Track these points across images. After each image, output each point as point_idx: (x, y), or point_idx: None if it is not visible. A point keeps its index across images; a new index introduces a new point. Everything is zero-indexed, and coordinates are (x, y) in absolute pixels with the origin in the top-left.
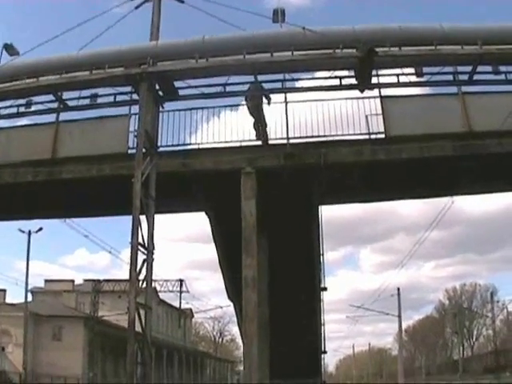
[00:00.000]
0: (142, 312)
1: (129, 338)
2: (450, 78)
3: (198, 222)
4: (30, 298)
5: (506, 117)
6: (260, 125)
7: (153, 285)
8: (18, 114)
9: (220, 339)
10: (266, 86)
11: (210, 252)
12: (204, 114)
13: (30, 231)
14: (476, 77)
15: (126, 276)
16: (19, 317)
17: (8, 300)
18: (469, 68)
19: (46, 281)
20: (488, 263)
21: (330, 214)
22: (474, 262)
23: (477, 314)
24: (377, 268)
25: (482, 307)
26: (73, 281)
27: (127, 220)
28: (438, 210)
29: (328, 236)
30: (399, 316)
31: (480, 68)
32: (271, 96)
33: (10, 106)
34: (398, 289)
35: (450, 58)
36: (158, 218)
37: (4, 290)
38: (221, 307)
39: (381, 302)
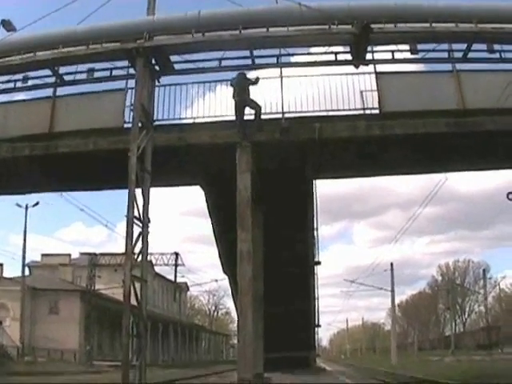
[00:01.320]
0: (137, 285)
1: (124, 310)
2: (445, 55)
3: (191, 196)
4: (26, 272)
5: (499, 95)
6: (254, 110)
7: (148, 258)
8: (15, 89)
9: (215, 313)
10: (261, 60)
11: (204, 226)
12: (200, 89)
13: (27, 205)
14: (471, 55)
15: (122, 249)
16: (16, 291)
17: (5, 274)
18: (463, 46)
19: (43, 255)
20: (481, 240)
21: (325, 189)
22: (467, 239)
23: (469, 291)
24: (371, 243)
25: (475, 284)
26: (69, 255)
27: (123, 193)
28: (432, 187)
29: (323, 211)
30: (392, 291)
31: (475, 46)
32: (266, 71)
33: (7, 81)
34: (391, 264)
35: (444, 36)
36: (152, 191)
37: (1, 265)
38: (216, 281)
39: (375, 277)
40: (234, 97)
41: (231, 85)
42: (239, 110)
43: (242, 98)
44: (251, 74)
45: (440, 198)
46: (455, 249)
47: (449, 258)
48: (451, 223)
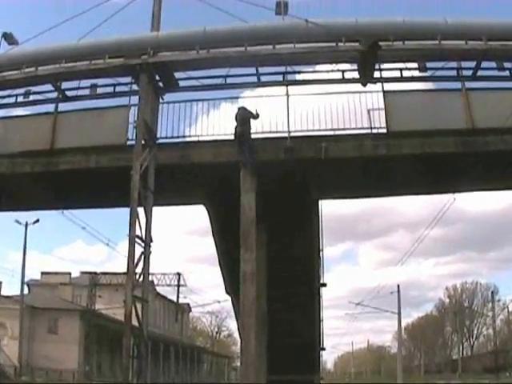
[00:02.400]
0: (138, 306)
1: (125, 331)
2: (454, 73)
3: (196, 215)
4: (26, 291)
5: (509, 114)
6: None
7: (150, 278)
8: (16, 104)
9: (217, 334)
10: (267, 78)
11: (208, 245)
12: (204, 106)
13: (26, 223)
14: (480, 73)
15: (123, 269)
16: (15, 309)
17: (3, 292)
18: (473, 64)
19: (43, 273)
20: (488, 262)
21: (329, 209)
22: (474, 261)
23: (477, 313)
24: (376, 264)
25: (483, 306)
26: (69, 273)
27: (125, 212)
28: (438, 208)
29: (327, 231)
30: (399, 313)
31: (485, 64)
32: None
33: (8, 96)
34: (398, 286)
35: (453, 53)
36: (155, 210)
37: (0, 282)
38: (219, 302)
39: (380, 299)
40: (235, 129)
41: (235, 119)
42: (239, 142)
43: (243, 131)
44: (256, 92)
45: (447, 218)
46: (462, 271)
47: (456, 279)
48: (458, 244)
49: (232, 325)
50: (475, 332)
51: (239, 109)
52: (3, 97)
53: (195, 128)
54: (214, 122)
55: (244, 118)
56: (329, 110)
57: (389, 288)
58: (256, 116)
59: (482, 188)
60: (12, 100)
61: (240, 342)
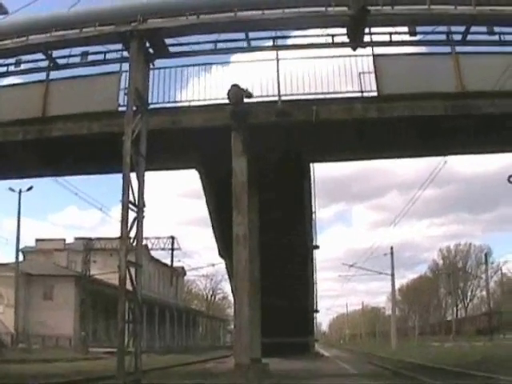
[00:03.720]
0: (132, 270)
1: (119, 296)
2: (444, 37)
3: (188, 177)
4: (20, 258)
5: (499, 77)
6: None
7: (144, 242)
8: (7, 73)
9: (212, 297)
10: (257, 43)
11: (201, 208)
12: (194, 71)
13: (20, 190)
14: (470, 37)
15: (117, 233)
16: (10, 277)
17: None
18: (462, 28)
19: (37, 240)
20: (482, 223)
21: (323, 170)
22: (468, 222)
23: (471, 275)
24: (370, 225)
25: (477, 268)
26: (64, 240)
27: (117, 177)
28: (432, 169)
29: (321, 193)
30: (392, 275)
31: (475, 29)
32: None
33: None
34: (391, 248)
35: (442, 18)
36: (147, 174)
37: None
38: (213, 265)
39: (374, 261)
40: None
41: (228, 97)
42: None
43: (237, 112)
44: (246, 57)
45: (440, 180)
46: (456, 232)
47: (450, 241)
48: (452, 206)
49: (227, 287)
50: (469, 294)
51: (232, 87)
52: None
53: (186, 93)
54: (205, 87)
55: (237, 98)
56: (319, 74)
57: (382, 249)
58: (249, 95)
59: (472, 151)
60: (3, 69)
61: (234, 305)
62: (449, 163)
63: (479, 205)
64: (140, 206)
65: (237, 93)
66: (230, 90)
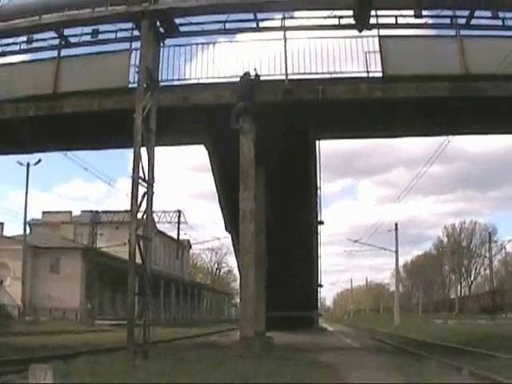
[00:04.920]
0: (141, 244)
1: (129, 269)
2: (448, 21)
3: (195, 151)
4: (27, 231)
5: (502, 60)
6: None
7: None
8: (20, 51)
9: (217, 271)
10: (265, 24)
11: (208, 181)
12: (205, 49)
13: (28, 164)
14: (474, 21)
15: (123, 206)
16: (17, 250)
17: (5, 233)
18: (467, 12)
19: (44, 212)
20: (488, 201)
21: (330, 145)
22: (474, 199)
23: (475, 254)
24: (376, 201)
25: (481, 246)
26: (70, 212)
27: (123, 150)
28: (439, 145)
29: (328, 168)
30: (396, 252)
31: (479, 13)
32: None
33: (12, 44)
34: (396, 224)
35: (447, 2)
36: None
37: (1, 223)
38: (218, 239)
39: (379, 236)
40: (234, 99)
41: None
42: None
43: (244, 106)
44: (255, 36)
45: (447, 156)
46: (462, 209)
47: (456, 218)
48: (458, 182)
49: (232, 261)
50: (473, 272)
51: (242, 77)
52: (8, 44)
53: (195, 70)
54: (213, 64)
55: (246, 91)
56: (325, 54)
57: (388, 225)
58: (258, 80)
59: (476, 132)
60: (15, 47)
61: (239, 279)
62: (456, 141)
63: (486, 182)
64: (150, 182)
65: (246, 86)
66: (241, 78)
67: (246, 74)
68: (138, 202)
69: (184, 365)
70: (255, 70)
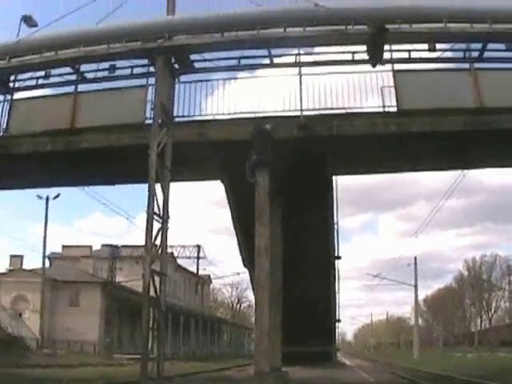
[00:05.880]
0: (157, 279)
1: (143, 303)
2: (462, 54)
3: (215, 186)
4: (47, 264)
5: None
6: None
7: (170, 251)
8: (37, 86)
9: (238, 305)
10: (279, 60)
11: (228, 216)
12: (221, 85)
13: (47, 197)
14: (487, 54)
15: (143, 241)
16: (36, 282)
17: (25, 266)
18: (480, 45)
19: (64, 246)
20: (508, 233)
21: (349, 180)
22: (494, 232)
23: (495, 286)
24: (397, 235)
25: (502, 279)
26: (90, 246)
27: (143, 185)
28: (458, 178)
29: (347, 202)
30: (415, 286)
31: (493, 45)
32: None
33: (30, 78)
34: (415, 258)
35: (459, 36)
36: (177, 182)
37: (21, 256)
38: (238, 273)
39: (400, 270)
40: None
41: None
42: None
43: (259, 159)
44: (268, 72)
45: (467, 190)
46: (482, 242)
47: (475, 251)
48: (478, 216)
49: (252, 296)
50: (493, 305)
51: (255, 128)
52: (24, 79)
53: (211, 106)
54: (229, 100)
55: (260, 143)
56: (340, 90)
57: (408, 259)
58: (272, 131)
59: (492, 165)
60: (33, 82)
61: (255, 314)
62: (475, 174)
63: (505, 214)
64: (164, 218)
65: (261, 132)
66: (254, 130)
67: (259, 124)
68: (153, 238)
69: None
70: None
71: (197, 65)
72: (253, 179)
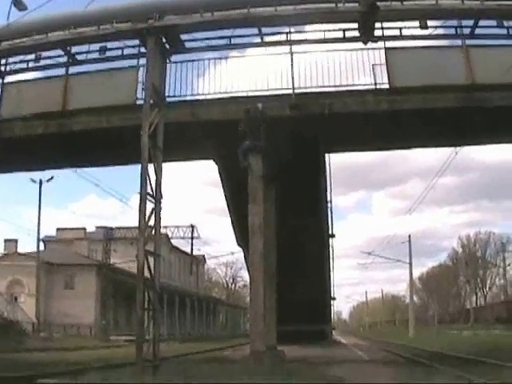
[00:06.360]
0: (151, 259)
1: (137, 285)
2: (453, 31)
3: (209, 166)
4: (41, 247)
5: (507, 69)
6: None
7: (164, 231)
8: (28, 69)
9: (233, 285)
10: (270, 38)
11: (222, 196)
12: (212, 65)
13: (41, 181)
14: (478, 31)
15: (137, 222)
16: (31, 266)
17: (19, 250)
18: (471, 22)
19: (58, 229)
20: (503, 211)
21: (342, 158)
22: (488, 210)
23: (490, 264)
24: (390, 213)
25: (496, 256)
26: (84, 228)
27: (136, 166)
28: (452, 155)
29: (340, 181)
30: (410, 264)
31: (484, 22)
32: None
33: (20, 62)
34: (409, 236)
35: (451, 13)
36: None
37: (15, 240)
38: (232, 253)
39: (394, 248)
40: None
41: (240, 127)
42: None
43: (252, 144)
44: (259, 51)
45: (459, 167)
46: (476, 219)
47: (470, 229)
48: (472, 193)
49: (247, 275)
50: (488, 282)
51: (247, 113)
52: (15, 62)
53: (203, 86)
54: (222, 80)
55: (253, 128)
56: (332, 67)
57: (402, 237)
58: (264, 115)
59: (485, 141)
60: (23, 65)
61: (250, 294)
62: (468, 151)
63: (500, 192)
64: (157, 198)
65: (254, 117)
66: (246, 114)
67: (251, 108)
68: (147, 218)
69: (192, 379)
70: (261, 104)
71: (188, 44)
72: (246, 163)
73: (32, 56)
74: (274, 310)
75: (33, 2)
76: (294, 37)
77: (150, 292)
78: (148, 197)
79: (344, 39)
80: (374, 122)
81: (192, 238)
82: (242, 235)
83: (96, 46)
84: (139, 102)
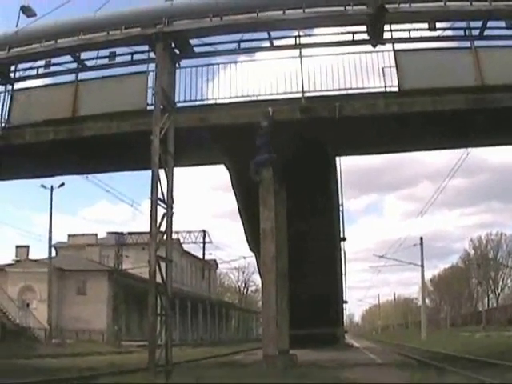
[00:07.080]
0: (163, 265)
1: (149, 290)
2: (462, 32)
3: (219, 170)
4: (53, 254)
5: None
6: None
7: (175, 236)
8: (38, 76)
9: (245, 290)
10: (279, 42)
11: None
12: (222, 70)
13: (52, 187)
14: (487, 32)
15: (148, 228)
16: (43, 272)
17: (31, 256)
18: (480, 23)
19: (70, 235)
20: None
21: (353, 162)
22: (499, 211)
23: (502, 265)
24: (402, 216)
25: (508, 257)
26: (96, 234)
27: (147, 172)
28: (463, 158)
29: (351, 185)
30: (422, 266)
31: (493, 23)
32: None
33: (30, 68)
34: (421, 238)
35: (459, 14)
36: (181, 168)
37: (27, 246)
38: (244, 258)
39: (406, 251)
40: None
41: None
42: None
43: (263, 159)
44: (269, 55)
45: (470, 169)
46: (487, 221)
47: (481, 230)
48: (483, 195)
49: (259, 280)
50: (500, 284)
51: (258, 127)
52: (25, 69)
53: (213, 90)
54: (232, 84)
55: (264, 142)
56: (341, 70)
57: (413, 240)
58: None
59: (494, 143)
60: (33, 71)
61: (262, 298)
62: (479, 153)
63: (510, 193)
64: (169, 203)
65: (264, 131)
66: (257, 129)
67: (261, 107)
68: (158, 224)
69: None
70: (271, 108)
71: (197, 49)
72: (257, 178)
73: (41, 62)
74: (287, 313)
75: (41, 8)
76: (303, 40)
77: (162, 297)
78: (159, 202)
79: (353, 42)
80: (384, 124)
81: (204, 243)
82: (254, 239)
83: (105, 52)
84: (149, 107)
